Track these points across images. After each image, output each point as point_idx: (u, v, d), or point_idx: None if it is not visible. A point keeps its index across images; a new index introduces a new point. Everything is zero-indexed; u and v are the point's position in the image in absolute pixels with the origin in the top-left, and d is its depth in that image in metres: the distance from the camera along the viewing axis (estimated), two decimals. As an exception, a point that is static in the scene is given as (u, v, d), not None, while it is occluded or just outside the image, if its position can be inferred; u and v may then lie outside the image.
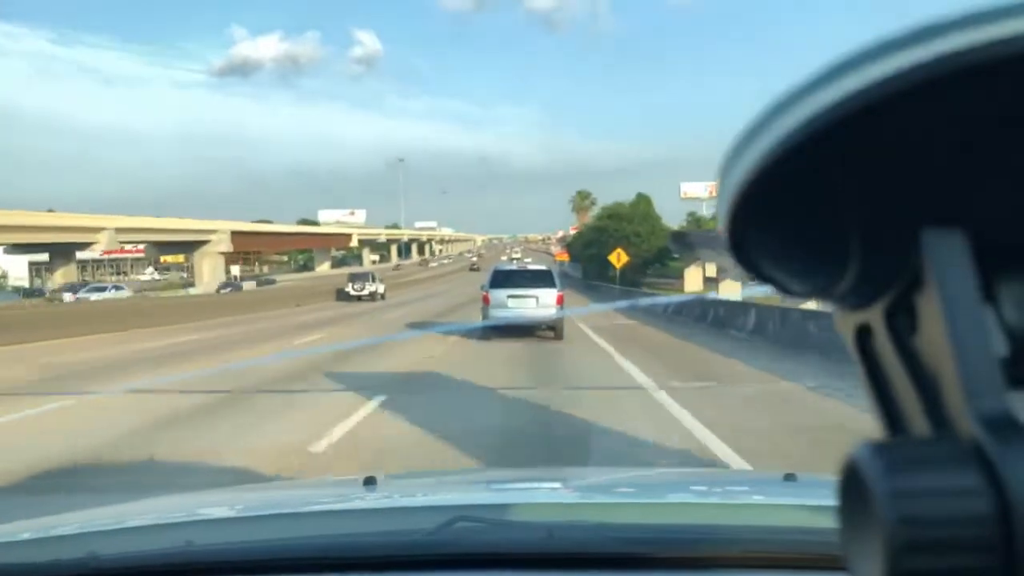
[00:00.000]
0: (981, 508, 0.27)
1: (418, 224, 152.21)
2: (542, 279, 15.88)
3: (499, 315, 15.25)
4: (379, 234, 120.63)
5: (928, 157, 0.31)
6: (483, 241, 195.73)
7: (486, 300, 15.78)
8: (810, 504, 1.43)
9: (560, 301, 15.40)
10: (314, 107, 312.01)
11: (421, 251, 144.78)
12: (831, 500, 0.31)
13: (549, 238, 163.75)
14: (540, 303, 15.33)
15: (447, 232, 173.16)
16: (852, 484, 0.29)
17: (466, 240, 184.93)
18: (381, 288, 35.62)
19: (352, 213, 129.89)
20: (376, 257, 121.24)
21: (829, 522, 0.33)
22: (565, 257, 67.56)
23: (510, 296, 15.54)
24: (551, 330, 15.43)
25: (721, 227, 0.36)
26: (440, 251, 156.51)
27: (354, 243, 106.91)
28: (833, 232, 0.34)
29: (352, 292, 34.13)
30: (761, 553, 1.24)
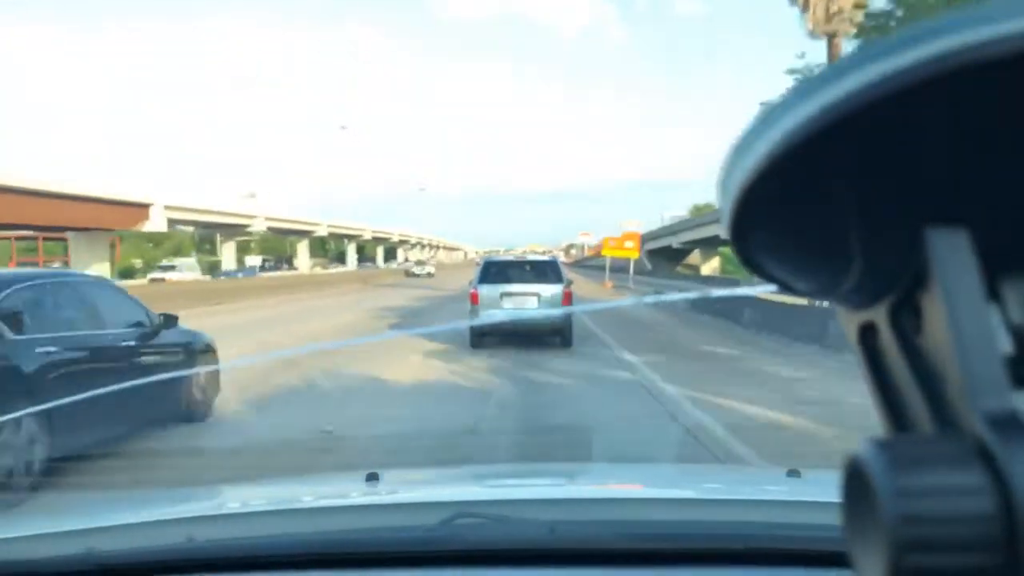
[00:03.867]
0: (985, 507, 0.26)
1: (390, 227, 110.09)
2: (544, 273, 12.76)
3: (491, 318, 12.24)
4: (248, 219, 66.21)
5: (931, 156, 0.31)
6: (477, 253, 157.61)
7: (474, 299, 12.34)
8: (813, 500, 1.43)
9: (568, 299, 12.31)
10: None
11: (363, 254, 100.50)
12: (834, 496, 0.31)
13: (550, 251, 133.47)
14: (542, 302, 12.16)
15: (429, 237, 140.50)
16: (855, 481, 0.29)
17: (455, 249, 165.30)
18: (432, 270, 60.79)
19: (252, 195, 78.22)
20: (258, 260, 69.11)
21: (832, 518, 0.34)
22: (633, 252, 32.22)
23: (505, 294, 12.28)
24: (556, 335, 12.24)
25: (723, 226, 0.36)
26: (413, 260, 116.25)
27: (157, 225, 52.12)
28: (836, 231, 0.34)
29: (415, 272, 57.36)
30: (764, 549, 1.25)
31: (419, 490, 2.00)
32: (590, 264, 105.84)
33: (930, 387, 0.32)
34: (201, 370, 6.59)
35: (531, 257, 14.12)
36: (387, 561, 1.29)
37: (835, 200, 0.33)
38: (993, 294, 0.32)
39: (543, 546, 1.29)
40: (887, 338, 0.35)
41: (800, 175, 0.33)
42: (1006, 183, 0.31)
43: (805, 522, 1.31)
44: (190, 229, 67.40)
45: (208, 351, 7.12)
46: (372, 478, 1.75)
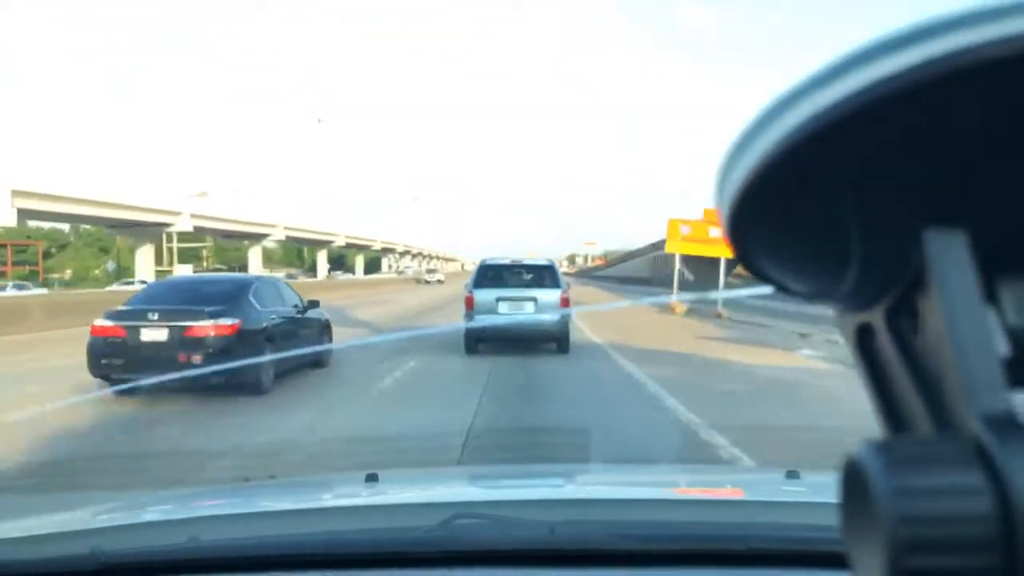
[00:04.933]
0: (982, 507, 0.26)
1: (371, 233, 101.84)
2: (542, 277, 12.36)
3: (486, 323, 11.78)
4: (169, 217, 51.85)
5: (929, 157, 0.31)
6: (474, 264, 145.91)
7: (469, 304, 12.04)
8: (812, 501, 1.45)
9: (565, 304, 11.89)
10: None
11: (341, 264, 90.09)
12: (833, 497, 0.31)
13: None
14: (539, 307, 11.84)
15: (420, 246, 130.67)
16: (854, 482, 0.29)
17: (451, 260, 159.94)
18: (442, 278, 65.72)
19: (203, 194, 66.08)
20: (187, 269, 56.27)
21: (831, 519, 0.33)
22: (723, 247, 17.55)
23: (501, 299, 11.96)
24: (553, 342, 11.97)
25: (721, 228, 0.36)
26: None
27: (2, 218, 37.76)
28: (834, 233, 0.34)
29: (427, 280, 62.94)
30: (764, 549, 1.25)
31: (418, 491, 2.01)
32: (601, 275, 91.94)
33: (927, 388, 0.32)
34: (341, 346, 12.17)
35: (528, 261, 13.27)
36: (387, 562, 1.29)
37: (833, 202, 0.33)
38: (990, 296, 0.32)
39: (543, 547, 1.29)
40: (884, 340, 0.35)
41: (798, 176, 0.32)
42: (1004, 185, 0.31)
43: (804, 523, 1.31)
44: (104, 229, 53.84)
45: (328, 324, 11.13)
46: (371, 479, 1.76)
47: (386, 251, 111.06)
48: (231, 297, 8.85)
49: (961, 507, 0.26)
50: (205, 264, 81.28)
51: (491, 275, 12.35)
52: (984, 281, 0.31)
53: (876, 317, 0.36)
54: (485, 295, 11.93)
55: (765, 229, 0.35)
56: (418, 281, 62.73)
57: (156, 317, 8.28)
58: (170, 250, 67.69)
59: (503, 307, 11.86)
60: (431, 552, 1.29)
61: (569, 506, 1.62)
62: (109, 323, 8.38)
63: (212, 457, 5.49)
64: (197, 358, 8.03)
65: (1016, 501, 0.26)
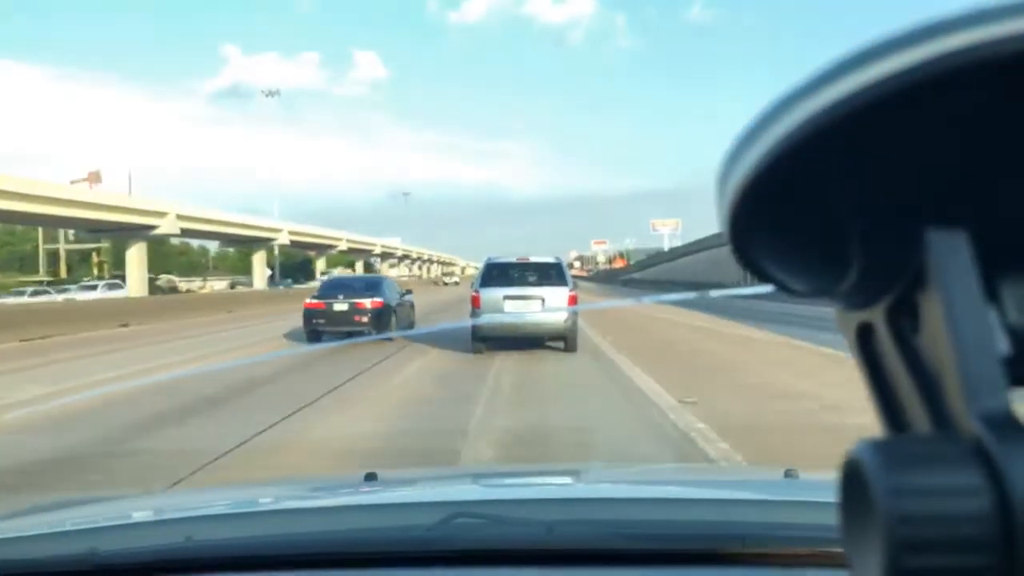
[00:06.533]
0: (982, 506, 0.26)
1: (336, 232, 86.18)
2: (549, 275, 12.51)
3: (493, 322, 12.13)
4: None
5: (930, 156, 0.31)
6: (476, 269, 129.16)
7: (476, 302, 12.33)
8: (810, 500, 1.44)
9: (573, 302, 12.44)
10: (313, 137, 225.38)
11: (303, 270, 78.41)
12: (831, 497, 0.31)
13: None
14: (547, 305, 11.89)
15: (405, 247, 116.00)
16: (853, 481, 0.29)
17: (450, 263, 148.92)
18: (458, 280, 76.63)
19: (96, 178, 54.74)
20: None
21: (830, 519, 0.33)
22: None
23: (508, 297, 12.09)
24: (561, 340, 12.09)
25: (722, 227, 0.36)
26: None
27: None
28: (835, 232, 0.34)
29: (446, 282, 77.76)
30: (761, 549, 1.25)
31: (417, 490, 2.02)
32: (638, 278, 74.22)
33: (927, 387, 0.32)
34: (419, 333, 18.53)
35: (535, 259, 13.23)
36: (385, 561, 1.29)
37: (834, 201, 0.33)
38: (991, 295, 0.32)
39: (541, 546, 1.29)
40: (885, 338, 0.35)
41: (799, 175, 0.32)
42: (1005, 184, 0.31)
43: (803, 522, 1.30)
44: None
45: (413, 304, 18.30)
46: (370, 478, 1.77)
47: (356, 252, 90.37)
48: (375, 287, 16.52)
49: (960, 507, 0.26)
50: (96, 272, 59.68)
51: (497, 273, 12.55)
52: (985, 279, 0.31)
53: (877, 316, 0.36)
54: (492, 294, 12.11)
55: (765, 229, 0.35)
56: (435, 283, 77.78)
57: (341, 297, 15.57)
58: (55, 252, 47.30)
59: (509, 306, 11.91)
60: (429, 551, 1.29)
61: (567, 505, 1.62)
62: (315, 300, 15.84)
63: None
64: (363, 320, 15.17)
65: (1015, 501, 0.26)
